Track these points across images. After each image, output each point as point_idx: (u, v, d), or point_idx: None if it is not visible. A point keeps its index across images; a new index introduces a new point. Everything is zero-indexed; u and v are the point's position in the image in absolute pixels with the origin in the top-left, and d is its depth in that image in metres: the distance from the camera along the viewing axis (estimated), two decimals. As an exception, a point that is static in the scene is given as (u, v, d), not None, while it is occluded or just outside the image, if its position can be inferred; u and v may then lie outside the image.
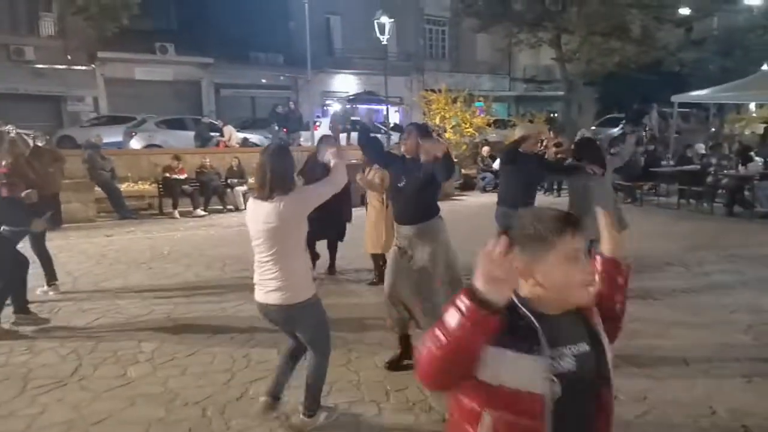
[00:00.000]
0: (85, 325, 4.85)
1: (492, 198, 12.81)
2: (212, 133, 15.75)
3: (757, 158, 11.52)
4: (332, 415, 3.16)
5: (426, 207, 3.78)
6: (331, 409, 3.20)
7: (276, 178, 2.79)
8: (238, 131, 16.42)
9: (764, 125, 19.58)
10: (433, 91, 18.26)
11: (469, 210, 11.72)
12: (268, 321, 3.02)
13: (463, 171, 15.20)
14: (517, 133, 5.32)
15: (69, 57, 20.46)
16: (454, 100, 17.40)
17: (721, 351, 4.07)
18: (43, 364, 4.01)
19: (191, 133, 15.71)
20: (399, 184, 3.77)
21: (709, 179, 10.53)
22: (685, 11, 20.01)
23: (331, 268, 6.31)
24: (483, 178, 14.68)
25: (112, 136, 15.15)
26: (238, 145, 14.76)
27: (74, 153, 11.64)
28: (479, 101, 18.99)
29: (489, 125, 18.07)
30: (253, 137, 16.57)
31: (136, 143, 15.29)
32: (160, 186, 11.18)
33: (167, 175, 11.07)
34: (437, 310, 3.54)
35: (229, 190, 11.57)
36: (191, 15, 23.50)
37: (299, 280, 2.89)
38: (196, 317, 5.01)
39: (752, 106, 22.44)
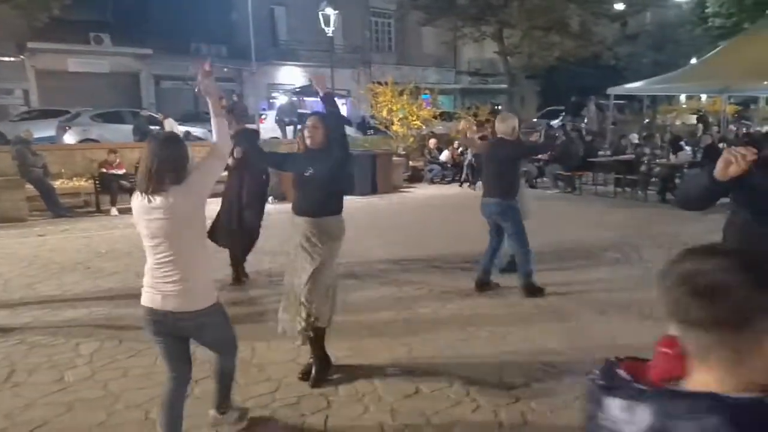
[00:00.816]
0: (19, 327, 4.62)
1: (440, 190, 13.10)
2: (152, 127, 15.23)
3: (687, 147, 12.18)
4: (245, 416, 3.08)
5: (330, 201, 3.60)
6: (243, 410, 3.12)
7: (166, 170, 2.47)
8: (179, 124, 15.95)
9: (695, 115, 20.73)
10: (379, 83, 18.32)
11: (416, 202, 11.86)
12: (155, 332, 2.63)
13: (411, 163, 15.34)
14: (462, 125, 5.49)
15: (-5, 47, 19.33)
16: (401, 93, 17.51)
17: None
18: (-28, 371, 3.81)
19: (129, 127, 15.14)
20: (306, 173, 3.56)
21: (643, 168, 11.04)
22: (620, 6, 20.81)
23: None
24: (430, 170, 14.86)
25: (44, 130, 14.42)
26: (179, 139, 14.34)
27: (2, 149, 11.03)
28: (426, 94, 19.19)
29: (435, 117, 18.28)
30: (197, 131, 16.14)
31: (70, 138, 14.60)
32: (97, 182, 10.73)
33: (104, 170, 10.63)
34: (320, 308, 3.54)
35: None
36: (128, 5, 22.59)
37: (202, 284, 2.62)
38: (138, 318, 4.81)
39: (683, 97, 23.65)
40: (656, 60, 22.94)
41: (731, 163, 2.09)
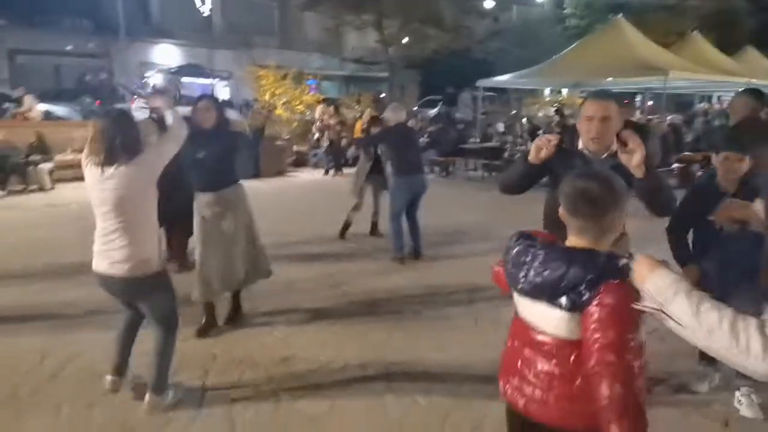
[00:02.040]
0: None
1: (321, 174, 13.32)
2: (6, 104, 13.89)
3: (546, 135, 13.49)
4: (179, 392, 3.14)
5: (228, 174, 3.98)
6: (178, 386, 3.17)
7: (119, 144, 2.69)
8: (40, 102, 14.66)
9: (555, 107, 22.79)
10: (262, 67, 18.08)
11: (303, 186, 12.06)
12: (111, 292, 2.93)
13: (295, 148, 15.40)
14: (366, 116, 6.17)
15: None
16: (284, 77, 17.44)
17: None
18: None
19: (-21, 105, 13.69)
20: (198, 155, 3.79)
21: (506, 154, 12.10)
22: (489, 4, 22.25)
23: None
24: (314, 155, 15.05)
25: None
26: (39, 118, 13.21)
27: None
28: (311, 79, 19.27)
29: (320, 102, 18.45)
30: (59, 110, 14.95)
31: None
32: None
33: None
34: (240, 272, 4.02)
35: (31, 167, 10.42)
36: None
37: (148, 250, 2.83)
38: (3, 306, 4.64)
39: (547, 91, 25.85)
40: (520, 56, 24.85)
41: (542, 148, 2.56)
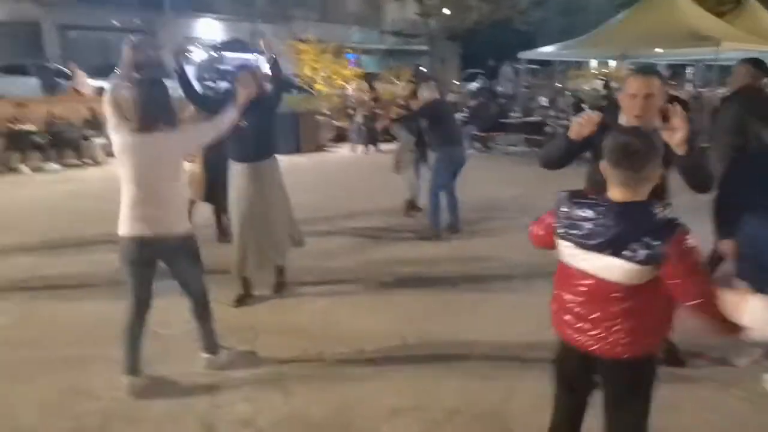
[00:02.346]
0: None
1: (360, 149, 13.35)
2: (59, 80, 14.46)
3: (589, 110, 13.19)
4: (231, 354, 3.31)
5: (265, 147, 4.09)
6: (230, 350, 3.34)
7: (149, 110, 2.78)
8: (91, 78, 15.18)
9: (602, 80, 22.11)
10: (301, 40, 18.16)
11: (341, 161, 12.21)
12: (137, 259, 2.91)
13: (335, 123, 15.49)
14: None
15: None
16: (324, 52, 17.48)
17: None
18: None
19: (34, 80, 14.29)
20: (240, 123, 3.81)
21: (548, 129, 11.92)
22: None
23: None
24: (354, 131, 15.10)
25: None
26: (91, 94, 13.72)
27: None
28: (351, 53, 19.25)
29: (360, 77, 18.44)
30: (108, 85, 15.42)
31: (-34, 91, 13.59)
32: (5, 138, 10.22)
33: (12, 126, 10.15)
34: (280, 245, 4.20)
35: (85, 142, 10.90)
36: (24, -56, 20.73)
37: (179, 212, 2.98)
38: (63, 271, 4.98)
39: (593, 63, 25.06)
40: (565, 26, 24.18)
41: (584, 126, 2.59)
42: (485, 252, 5.49)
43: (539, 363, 2.89)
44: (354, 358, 3.43)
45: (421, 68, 23.21)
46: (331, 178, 9.84)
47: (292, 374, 3.25)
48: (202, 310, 3.16)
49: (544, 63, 22.96)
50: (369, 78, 20.14)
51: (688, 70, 20.43)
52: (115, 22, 22.98)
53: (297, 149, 12.30)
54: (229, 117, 3.17)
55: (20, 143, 10.12)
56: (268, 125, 4.08)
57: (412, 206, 6.96)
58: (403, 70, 21.28)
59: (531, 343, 3.46)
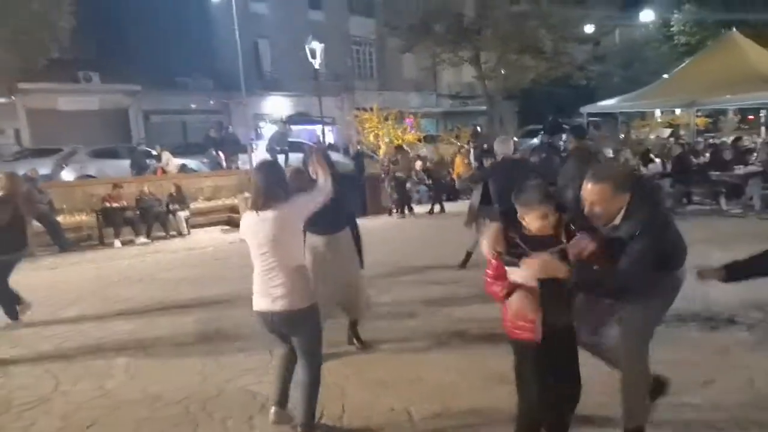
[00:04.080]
0: (51, 349, 5.06)
1: (427, 209, 13.53)
2: (148, 161, 15.72)
3: (656, 159, 12.91)
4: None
5: (338, 220, 4.33)
6: (322, 427, 3.34)
7: (269, 190, 3.04)
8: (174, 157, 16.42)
9: (670, 129, 21.66)
10: (364, 109, 19.03)
11: (406, 221, 12.46)
12: (269, 330, 3.17)
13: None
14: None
15: (-14, 89, 19.71)
16: (386, 118, 18.22)
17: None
18: (20, 386, 4.23)
19: (125, 162, 15.60)
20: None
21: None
22: (589, 29, 21.87)
23: None
24: (418, 191, 15.43)
25: (38, 168, 14.78)
26: (176, 171, 14.82)
27: (5, 187, 11.41)
28: (409, 118, 19.95)
29: (420, 140, 19.00)
30: (191, 163, 16.62)
31: (68, 174, 15.01)
32: (100, 216, 11.16)
33: (107, 204, 11.08)
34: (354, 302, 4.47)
35: (171, 216, 11.69)
36: (115, 42, 23.16)
37: (302, 286, 3.09)
38: (160, 334, 5.32)
39: (657, 112, 24.67)
40: (625, 78, 23.99)
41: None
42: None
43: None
44: (443, 414, 3.44)
45: (478, 128, 23.64)
46: (397, 237, 10.01)
47: None
48: (309, 384, 3.17)
49: (606, 115, 22.81)
50: (428, 140, 20.71)
51: (762, 113, 19.71)
52: (193, 105, 24.97)
53: (363, 212, 12.68)
54: (328, 185, 3.33)
55: (114, 220, 10.99)
56: (339, 202, 4.13)
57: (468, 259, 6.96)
58: (462, 130, 21.72)
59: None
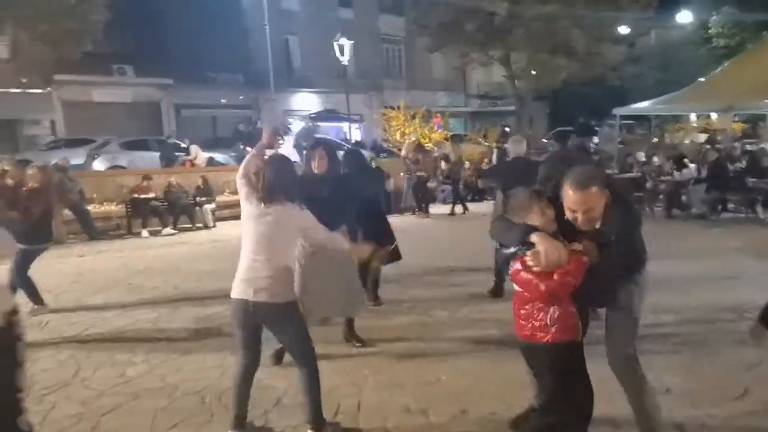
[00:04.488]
0: (75, 335, 5.14)
1: (448, 209, 13.39)
2: (177, 153, 15.95)
3: (691, 165, 12.55)
4: (337, 430, 3.24)
5: (333, 219, 4.02)
6: (335, 425, 3.27)
7: (275, 186, 3.02)
8: (203, 150, 16.65)
9: (705, 135, 21.07)
10: (392, 108, 18.97)
11: (433, 220, 12.38)
12: (242, 324, 3.06)
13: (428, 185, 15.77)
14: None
15: (23, 80, 20.24)
16: (413, 117, 18.14)
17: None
18: (43, 369, 4.29)
19: (155, 154, 15.87)
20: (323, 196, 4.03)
21: (648, 185, 11.44)
22: (624, 30, 21.41)
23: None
24: (443, 191, 15.32)
25: (71, 158, 15.14)
26: (204, 164, 15.00)
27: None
28: (437, 117, 19.84)
29: (447, 140, 18.86)
30: (219, 157, 16.82)
31: (99, 165, 15.34)
32: (129, 206, 11.36)
33: (136, 195, 11.27)
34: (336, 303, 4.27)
35: (197, 208, 11.83)
36: (149, 37, 23.54)
37: (286, 282, 3.08)
38: (182, 325, 5.36)
39: (693, 116, 24.05)
40: (661, 80, 23.43)
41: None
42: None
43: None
44: (459, 418, 3.37)
45: (506, 128, 23.37)
46: (420, 236, 9.94)
47: None
48: (307, 380, 3.13)
49: (640, 118, 22.32)
50: (455, 140, 20.55)
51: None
52: (223, 100, 25.26)
53: (388, 210, 12.63)
54: (331, 245, 3.46)
55: (142, 210, 11.17)
56: (339, 200, 4.16)
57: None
58: (491, 130, 21.50)
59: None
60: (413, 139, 16.85)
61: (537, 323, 2.50)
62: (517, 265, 2.48)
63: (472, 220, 11.48)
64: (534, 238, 2.41)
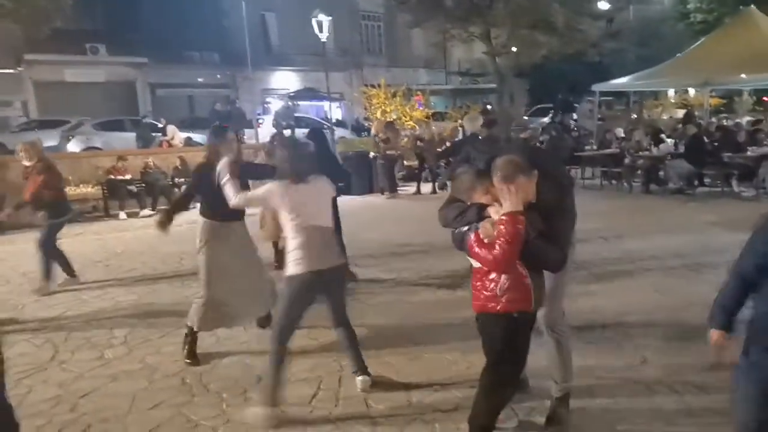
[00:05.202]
0: (52, 318, 5.07)
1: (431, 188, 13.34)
2: (153, 134, 15.65)
3: (668, 140, 12.68)
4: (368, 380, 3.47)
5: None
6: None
7: (308, 164, 3.33)
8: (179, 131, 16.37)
9: (683, 110, 21.26)
10: (372, 86, 18.79)
11: (412, 199, 12.36)
12: (309, 289, 3.21)
13: (405, 163, 15.64)
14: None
15: (-7, 61, 19.64)
16: (394, 95, 18.00)
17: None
18: (19, 353, 4.23)
19: (131, 134, 15.57)
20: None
21: (627, 160, 11.55)
22: (604, 5, 21.36)
23: None
24: (425, 168, 15.24)
25: (45, 140, 14.78)
26: (181, 144, 14.75)
27: (11, 159, 11.41)
28: (418, 95, 19.70)
29: (428, 118, 18.76)
30: (197, 137, 16.55)
31: (74, 146, 15.01)
32: (105, 188, 11.15)
33: (111, 176, 11.05)
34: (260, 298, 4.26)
35: (176, 189, 11.64)
36: (122, 15, 22.90)
37: (337, 245, 3.52)
38: (161, 306, 5.30)
39: (671, 92, 24.22)
40: (640, 56, 23.52)
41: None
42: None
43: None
44: (441, 391, 3.40)
45: (488, 106, 23.30)
46: (401, 215, 9.94)
47: (377, 405, 3.26)
48: (350, 335, 3.46)
49: (619, 94, 22.44)
50: (436, 118, 20.45)
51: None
52: (200, 79, 24.78)
53: (370, 190, 12.58)
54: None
55: (119, 192, 10.97)
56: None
57: None
58: (472, 108, 21.43)
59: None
60: (392, 117, 16.74)
61: (488, 293, 2.54)
62: (472, 240, 2.52)
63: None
64: (490, 211, 2.50)
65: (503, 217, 2.40)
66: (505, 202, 2.43)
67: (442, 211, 2.74)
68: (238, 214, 4.08)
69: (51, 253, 6.07)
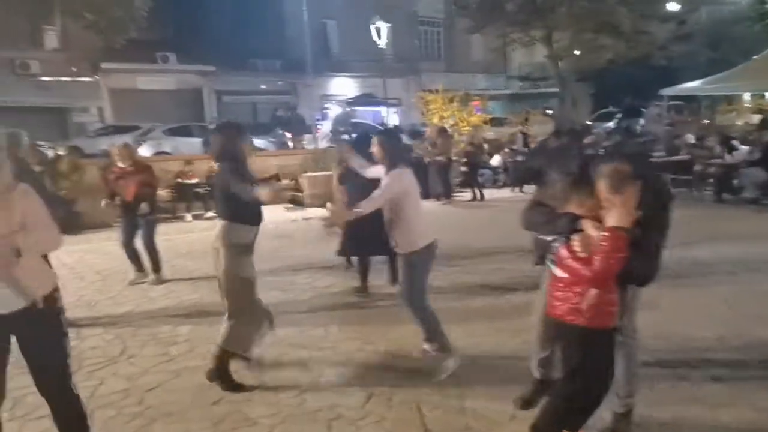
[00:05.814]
0: (122, 314, 5.34)
1: (490, 194, 13.23)
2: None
3: (742, 147, 11.97)
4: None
5: (222, 209, 4.14)
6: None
7: (394, 155, 3.72)
8: (242, 136, 16.86)
9: (759, 115, 20.03)
10: (430, 91, 18.78)
11: (468, 205, 12.25)
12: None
13: (462, 168, 15.50)
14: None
15: (73, 69, 20.95)
16: (451, 100, 17.91)
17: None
18: (92, 347, 4.49)
19: (198, 140, 16.20)
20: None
21: (697, 168, 11.00)
22: (673, 7, 20.48)
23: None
24: (481, 175, 15.06)
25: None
26: (244, 149, 15.21)
27: (89, 162, 12.12)
28: (476, 100, 19.51)
29: (486, 123, 18.56)
30: (259, 142, 17.03)
31: (145, 151, 15.75)
32: (173, 191, 11.65)
33: (180, 180, 11.54)
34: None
35: (238, 192, 12.00)
36: (191, 24, 24.01)
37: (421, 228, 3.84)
38: (208, 302, 5.45)
39: (746, 96, 22.87)
40: (712, 59, 22.39)
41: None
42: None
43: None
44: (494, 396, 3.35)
45: (548, 111, 22.79)
46: (456, 221, 9.86)
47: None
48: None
49: (690, 99, 21.40)
50: (494, 123, 20.17)
51: None
52: (262, 86, 25.54)
53: (425, 196, 12.53)
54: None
55: (186, 195, 11.44)
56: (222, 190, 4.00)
57: None
58: (532, 113, 21.03)
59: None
60: (449, 123, 16.65)
61: (571, 305, 2.43)
62: (563, 252, 2.42)
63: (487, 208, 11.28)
64: (584, 225, 2.37)
65: (607, 234, 2.26)
66: (611, 215, 2.28)
67: (527, 213, 2.69)
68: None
69: (150, 247, 6.63)
